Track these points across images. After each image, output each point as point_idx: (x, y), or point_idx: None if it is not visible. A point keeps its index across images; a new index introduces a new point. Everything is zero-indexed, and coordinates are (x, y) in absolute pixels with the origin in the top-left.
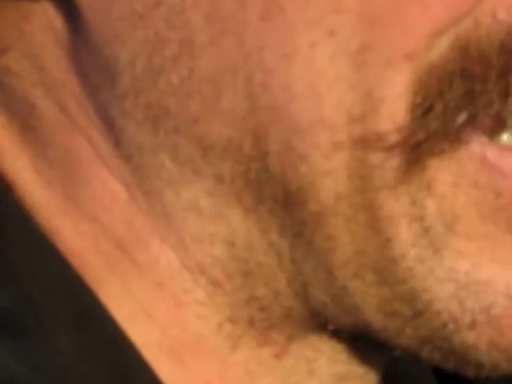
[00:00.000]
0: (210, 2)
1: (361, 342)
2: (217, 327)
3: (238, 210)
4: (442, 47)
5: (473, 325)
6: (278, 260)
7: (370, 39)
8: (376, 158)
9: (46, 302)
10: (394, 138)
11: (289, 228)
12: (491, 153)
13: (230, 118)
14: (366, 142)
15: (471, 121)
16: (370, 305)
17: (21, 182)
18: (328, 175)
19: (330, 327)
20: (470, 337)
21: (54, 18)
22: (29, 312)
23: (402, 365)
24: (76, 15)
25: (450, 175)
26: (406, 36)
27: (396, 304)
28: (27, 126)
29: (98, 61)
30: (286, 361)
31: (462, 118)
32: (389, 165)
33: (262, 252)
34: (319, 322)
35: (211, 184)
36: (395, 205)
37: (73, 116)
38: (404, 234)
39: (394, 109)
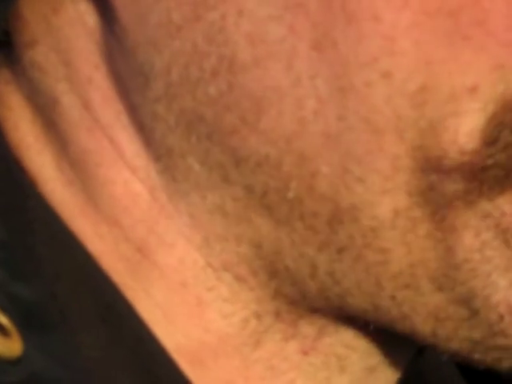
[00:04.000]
0: (252, 24)
1: (391, 334)
2: (241, 324)
3: (267, 219)
4: (509, 80)
5: None
6: (310, 270)
7: (428, 80)
8: (439, 178)
9: (70, 297)
10: (460, 161)
11: (331, 243)
12: None
13: (271, 138)
14: (430, 164)
15: None
16: (420, 313)
17: (43, 179)
18: (387, 193)
19: (369, 329)
20: None
21: (86, 14)
22: (54, 306)
23: (428, 361)
24: (110, 15)
25: None
26: (465, 74)
27: (451, 308)
28: (51, 121)
29: (131, 63)
30: (315, 357)
31: None
32: (452, 186)
33: (291, 259)
34: (354, 323)
35: (240, 192)
36: (461, 216)
37: (96, 114)
38: (469, 242)
39: (463, 138)
